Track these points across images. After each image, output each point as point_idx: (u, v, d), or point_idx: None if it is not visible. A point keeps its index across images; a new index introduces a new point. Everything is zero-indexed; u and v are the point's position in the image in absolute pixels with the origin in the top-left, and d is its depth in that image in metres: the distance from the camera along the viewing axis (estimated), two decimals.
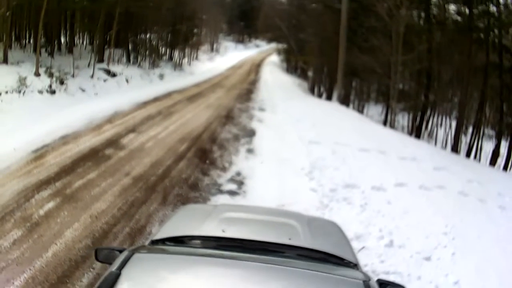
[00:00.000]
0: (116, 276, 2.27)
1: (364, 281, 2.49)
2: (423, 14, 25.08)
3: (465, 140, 22.16)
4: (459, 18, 22.68)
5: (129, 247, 3.42)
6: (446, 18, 23.26)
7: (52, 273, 5.59)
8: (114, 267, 2.39)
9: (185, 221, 3.87)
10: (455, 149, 21.22)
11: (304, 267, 2.68)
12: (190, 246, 3.12)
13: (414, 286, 5.98)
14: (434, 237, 7.71)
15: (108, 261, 3.23)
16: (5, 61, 17.68)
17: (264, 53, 75.44)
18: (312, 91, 38.13)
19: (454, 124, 22.97)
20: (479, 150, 21.06)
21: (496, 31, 20.70)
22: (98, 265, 5.91)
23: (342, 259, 3.11)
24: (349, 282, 2.59)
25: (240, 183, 10.14)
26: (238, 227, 3.55)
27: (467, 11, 21.60)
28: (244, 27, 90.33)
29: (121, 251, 3.19)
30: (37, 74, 17.09)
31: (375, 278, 2.98)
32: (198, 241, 3.17)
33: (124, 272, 2.34)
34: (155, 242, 3.23)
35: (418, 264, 6.69)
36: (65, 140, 11.84)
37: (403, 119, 25.73)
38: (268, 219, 4.00)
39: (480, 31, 21.23)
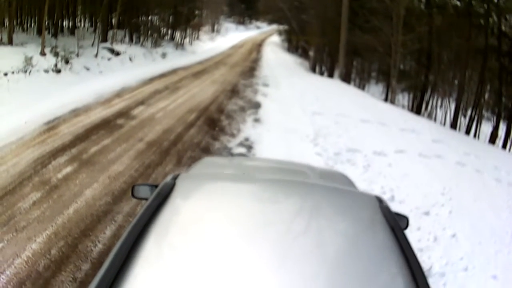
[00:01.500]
0: (172, 185, 2.49)
1: (376, 196, 2.70)
2: None
3: (464, 122, 22.37)
4: (458, 3, 22.83)
5: None
6: (446, 2, 23.38)
7: (74, 227, 5.79)
8: (167, 179, 2.63)
9: (207, 169, 4.00)
10: (453, 128, 21.43)
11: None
12: None
13: (415, 235, 6.36)
14: (432, 196, 8.12)
15: (145, 196, 3.50)
16: (10, 42, 17.76)
17: (265, 34, 74.90)
18: (313, 70, 38.09)
19: (453, 105, 23.18)
20: (478, 131, 21.28)
21: (495, 17, 20.87)
22: (119, 218, 6.19)
23: None
24: (365, 195, 2.88)
25: (249, 147, 10.48)
26: (256, 172, 3.82)
27: None
28: (245, 9, 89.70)
29: (155, 186, 3.44)
30: (42, 53, 17.10)
31: None
32: None
33: (178, 181, 2.58)
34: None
35: (418, 217, 7.06)
36: (76, 112, 11.91)
37: (403, 99, 25.89)
38: (282, 167, 4.29)
39: (479, 16, 21.37)
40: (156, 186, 3.33)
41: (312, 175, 3.88)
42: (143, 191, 3.56)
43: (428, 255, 5.92)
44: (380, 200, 2.62)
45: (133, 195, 3.60)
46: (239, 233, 2.07)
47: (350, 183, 4.11)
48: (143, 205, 2.28)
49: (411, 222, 6.50)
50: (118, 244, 1.89)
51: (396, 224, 2.25)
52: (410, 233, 6.19)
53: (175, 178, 2.64)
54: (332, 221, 2.34)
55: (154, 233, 2.01)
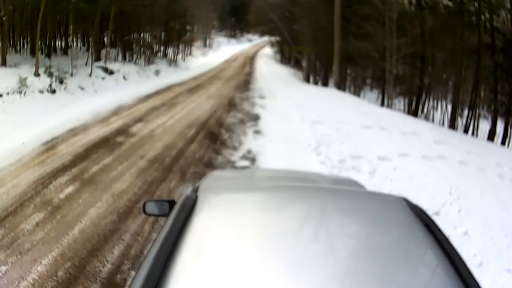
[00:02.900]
0: (194, 198, 2.42)
1: (403, 198, 2.66)
2: (414, 0, 25.30)
3: (461, 122, 22.36)
4: (450, 3, 22.89)
5: None
6: (437, 3, 23.45)
7: (81, 248, 5.69)
8: (188, 192, 2.58)
9: (218, 182, 3.86)
10: (452, 128, 21.43)
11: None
12: None
13: None
14: (440, 196, 8.14)
15: (156, 212, 3.50)
16: (4, 64, 17.73)
17: (257, 46, 75.25)
18: (307, 80, 38.12)
19: (449, 107, 23.17)
20: (476, 129, 21.27)
21: (487, 14, 20.90)
22: (127, 236, 6.11)
23: None
24: (392, 197, 2.81)
25: (252, 160, 10.44)
26: (267, 182, 3.70)
27: None
28: (236, 22, 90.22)
29: (169, 202, 3.45)
30: (36, 74, 17.08)
31: None
32: None
33: (200, 194, 2.51)
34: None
35: None
36: (74, 132, 11.88)
37: (399, 104, 25.89)
38: (292, 176, 4.20)
39: (471, 14, 21.42)
40: (169, 202, 3.39)
41: (324, 182, 3.84)
42: (155, 207, 3.53)
43: None
44: (406, 201, 2.58)
45: (144, 212, 3.56)
46: (269, 244, 1.99)
47: (361, 186, 4.04)
48: (166, 221, 2.23)
49: None
50: (146, 264, 1.82)
51: (430, 221, 2.23)
52: None
53: (195, 191, 2.60)
54: (366, 226, 2.27)
55: (185, 249, 1.93)
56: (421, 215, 2.29)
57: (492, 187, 9.37)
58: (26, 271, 5.10)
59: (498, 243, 6.47)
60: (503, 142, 19.50)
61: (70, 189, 7.77)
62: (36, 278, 4.99)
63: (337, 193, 2.76)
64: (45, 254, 5.49)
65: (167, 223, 2.14)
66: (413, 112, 24.60)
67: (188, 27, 46.05)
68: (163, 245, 1.91)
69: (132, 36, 32.17)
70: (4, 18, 18.09)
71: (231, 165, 10.04)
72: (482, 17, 21.01)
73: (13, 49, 21.69)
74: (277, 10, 45.07)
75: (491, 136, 20.02)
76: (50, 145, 10.44)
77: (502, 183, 9.86)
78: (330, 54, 28.77)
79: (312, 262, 1.85)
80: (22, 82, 15.23)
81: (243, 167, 9.86)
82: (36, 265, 5.24)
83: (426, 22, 23.22)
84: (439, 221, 6.61)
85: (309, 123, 14.58)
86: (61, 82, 17.73)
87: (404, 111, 25.01)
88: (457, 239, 6.32)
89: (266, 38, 68.27)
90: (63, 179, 8.24)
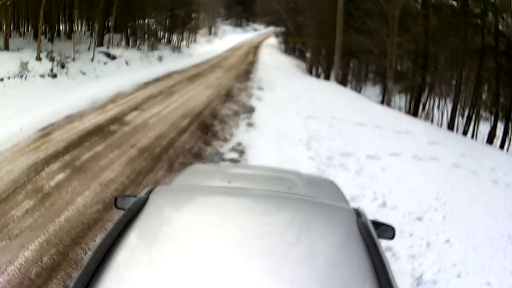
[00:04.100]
0: (145, 199, 2.47)
1: (354, 209, 2.65)
2: None
3: (461, 122, 22.32)
4: (455, 3, 22.80)
5: None
6: (442, 2, 23.35)
7: (65, 235, 5.82)
8: (142, 194, 2.59)
9: (193, 177, 4.02)
10: (451, 129, 21.40)
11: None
12: None
13: (406, 241, 6.28)
14: (426, 201, 8.00)
15: (127, 207, 3.56)
16: (6, 48, 17.80)
17: (262, 36, 74.74)
18: (310, 71, 38.03)
19: (450, 106, 23.12)
20: (476, 131, 21.23)
21: (491, 16, 20.83)
22: (110, 226, 6.23)
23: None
24: (342, 208, 2.83)
25: (241, 152, 10.43)
26: (241, 180, 3.77)
27: None
28: (242, 11, 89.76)
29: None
30: (38, 58, 17.18)
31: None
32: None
33: (151, 196, 2.54)
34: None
35: (410, 223, 6.97)
36: (70, 119, 12.01)
37: (400, 100, 25.84)
38: (269, 174, 4.26)
39: (476, 16, 21.34)
40: None
41: (299, 183, 3.83)
42: (127, 202, 3.49)
43: (420, 262, 5.84)
44: (358, 214, 2.56)
45: (116, 206, 3.57)
46: (206, 250, 2.04)
47: (337, 190, 4.07)
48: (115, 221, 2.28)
49: (403, 228, 6.56)
50: (84, 268, 1.86)
51: (371, 241, 2.17)
52: (402, 239, 6.18)
53: (149, 193, 2.61)
54: (304, 237, 2.29)
55: (121, 251, 1.99)
56: (363, 234, 2.26)
57: (483, 192, 9.20)
58: (14, 256, 5.27)
59: (481, 253, 6.33)
60: (501, 146, 19.48)
61: (60, 176, 7.91)
62: (23, 263, 5.15)
63: (285, 201, 2.78)
64: (32, 240, 5.65)
65: (111, 227, 2.18)
66: (414, 109, 24.58)
67: (193, 15, 45.86)
68: (100, 247, 1.96)
69: (136, 21, 32.09)
70: (8, 3, 18.11)
71: (220, 157, 10.06)
72: (487, 19, 20.94)
73: (17, 33, 21.73)
74: (282, 1, 44.88)
75: (490, 138, 19.99)
76: (46, 132, 10.61)
77: (494, 189, 9.66)
78: (333, 47, 28.65)
79: (225, 266, 1.91)
80: (24, 66, 15.31)
81: (230, 160, 9.91)
82: (23, 250, 5.41)
83: (430, 21, 23.12)
84: (421, 227, 6.70)
85: (304, 117, 14.53)
86: (63, 66, 17.79)
87: (404, 108, 24.98)
88: (437, 247, 6.32)
89: (271, 28, 67.91)
90: (55, 166, 8.39)
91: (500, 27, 20.71)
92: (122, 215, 2.29)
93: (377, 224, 3.45)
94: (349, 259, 2.12)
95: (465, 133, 21.38)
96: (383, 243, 3.78)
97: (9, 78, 14.40)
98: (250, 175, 4.20)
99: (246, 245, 2.11)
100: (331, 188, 4.13)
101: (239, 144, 11.18)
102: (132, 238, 2.11)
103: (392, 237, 3.56)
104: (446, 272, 5.74)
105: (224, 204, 2.64)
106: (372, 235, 2.26)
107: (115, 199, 3.59)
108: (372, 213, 7.08)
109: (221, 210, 2.53)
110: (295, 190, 3.47)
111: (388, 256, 5.66)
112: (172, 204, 2.62)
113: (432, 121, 23.47)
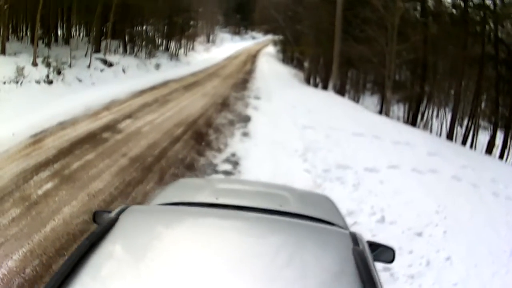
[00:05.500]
0: (114, 220, 2.29)
1: (350, 232, 2.47)
2: (418, 7, 25.13)
3: (460, 132, 22.22)
4: (454, 11, 22.74)
5: None
6: (442, 10, 23.28)
7: (50, 246, 5.70)
8: (112, 214, 2.42)
9: (179, 191, 3.85)
10: (450, 138, 21.29)
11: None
12: None
13: (405, 259, 6.05)
14: (426, 215, 7.79)
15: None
16: (3, 52, 17.72)
17: (260, 45, 74.98)
18: (308, 81, 37.98)
19: (449, 115, 23.02)
20: (475, 140, 21.13)
21: (491, 24, 20.74)
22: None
23: (332, 224, 3.07)
24: (336, 231, 2.62)
25: (235, 164, 10.23)
26: (230, 196, 3.56)
27: (462, 4, 21.69)
28: (241, 19, 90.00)
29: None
30: (34, 64, 17.10)
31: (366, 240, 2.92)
32: (191, 207, 3.13)
33: (121, 217, 2.36)
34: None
35: (409, 239, 6.77)
36: (63, 125, 11.91)
37: (398, 110, 25.74)
38: (260, 190, 4.04)
39: (475, 24, 21.28)
40: None
41: (291, 199, 3.61)
42: (105, 217, 3.32)
43: (419, 283, 5.60)
44: (355, 239, 2.35)
45: (94, 221, 3.42)
46: (169, 274, 1.89)
47: (333, 207, 3.87)
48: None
49: (402, 245, 6.31)
50: None
51: (368, 277, 1.94)
52: (401, 257, 5.91)
53: (120, 213, 2.42)
54: (293, 272, 2.05)
55: (80, 280, 1.82)
56: (360, 268, 2.02)
57: (484, 206, 9.05)
58: None
59: (482, 271, 6.15)
60: (501, 156, 19.37)
61: (49, 185, 7.79)
62: (6, 273, 5.04)
63: (273, 223, 2.58)
64: (16, 250, 5.53)
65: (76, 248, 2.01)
66: (412, 119, 24.48)
67: (191, 22, 45.87)
68: (57, 275, 1.81)
69: (134, 28, 32.04)
70: (6, 7, 17.99)
71: (213, 168, 9.86)
72: (487, 27, 20.87)
73: (15, 37, 21.76)
74: (280, 9, 44.98)
75: (489, 148, 19.89)
76: (38, 138, 10.52)
77: (495, 201, 9.55)
78: (331, 56, 28.61)
79: None
80: (19, 71, 15.29)
81: (224, 172, 9.71)
82: (7, 260, 5.29)
83: (429, 29, 23.05)
84: (421, 243, 6.48)
85: (300, 127, 14.33)
86: (59, 73, 17.72)
87: (403, 118, 24.88)
88: (438, 265, 6.13)
89: (269, 37, 68.14)
90: (44, 174, 8.28)
91: (500, 34, 20.61)
92: (85, 237, 2.08)
93: (375, 246, 3.28)
94: None
95: (464, 142, 21.24)
96: (381, 264, 3.58)
97: (4, 83, 14.40)
98: (239, 191, 3.97)
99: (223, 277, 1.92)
100: (326, 205, 3.91)
101: (233, 154, 10.99)
102: (93, 265, 1.91)
103: (391, 260, 3.37)
104: None
105: (202, 227, 2.44)
106: (370, 268, 2.03)
107: (94, 214, 3.45)
108: (370, 228, 6.88)
109: (198, 234, 2.33)
110: (286, 207, 3.28)
111: (385, 277, 5.45)
112: (144, 227, 2.41)
113: (431, 131, 23.38)
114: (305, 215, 3.09)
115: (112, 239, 2.13)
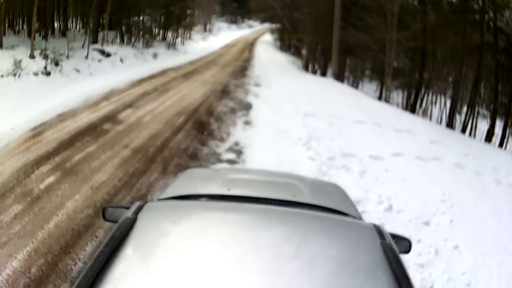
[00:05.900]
0: (132, 221, 2.22)
1: (374, 225, 2.46)
2: None
3: (459, 119, 22.19)
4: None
5: None
6: None
7: (55, 244, 5.57)
8: (129, 214, 2.34)
9: (189, 183, 3.78)
10: (449, 126, 21.25)
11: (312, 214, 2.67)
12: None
13: (415, 248, 5.96)
14: (432, 204, 7.80)
15: (116, 219, 3.12)
16: (0, 46, 17.69)
17: (258, 33, 74.64)
18: (306, 68, 37.86)
19: (448, 102, 22.97)
20: (474, 128, 21.11)
21: (491, 13, 20.65)
22: (100, 233, 5.93)
23: (346, 214, 3.03)
24: (361, 224, 2.59)
25: (239, 153, 10.18)
26: (242, 187, 3.51)
27: None
28: (237, 8, 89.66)
29: (128, 208, 3.23)
30: (32, 56, 17.03)
31: None
32: (204, 199, 3.10)
33: (140, 217, 2.29)
34: (161, 201, 3.16)
35: (418, 228, 6.76)
36: (62, 117, 11.78)
37: (397, 97, 25.69)
38: (271, 180, 3.97)
39: (475, 12, 21.20)
40: (128, 208, 3.07)
41: (303, 189, 3.55)
42: (116, 213, 3.21)
43: (430, 272, 5.59)
44: (380, 233, 2.32)
45: (104, 218, 3.28)
46: (205, 273, 1.85)
47: (345, 196, 3.83)
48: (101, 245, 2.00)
49: (411, 234, 6.25)
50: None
51: (402, 272, 1.93)
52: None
53: (137, 211, 2.35)
54: (320, 272, 1.99)
55: (118, 267, 1.82)
56: (391, 259, 2.02)
57: (488, 193, 9.06)
58: (1, 266, 5.03)
59: (489, 260, 6.14)
60: (500, 144, 19.35)
61: (50, 179, 7.66)
62: (11, 274, 4.92)
63: (294, 216, 2.53)
64: (20, 249, 5.41)
65: (96, 253, 1.93)
66: (411, 106, 24.43)
67: (188, 11, 45.65)
68: (95, 262, 1.79)
69: (131, 18, 31.88)
70: (2, 1, 17.91)
71: (216, 157, 9.79)
72: (486, 16, 20.79)
73: (12, 31, 21.67)
74: None
75: (489, 136, 19.87)
76: (38, 131, 10.37)
77: (498, 189, 9.56)
78: (330, 43, 28.53)
79: None
80: (17, 64, 15.20)
81: (227, 160, 9.66)
82: (11, 260, 5.17)
83: (428, 17, 22.94)
84: (429, 232, 6.44)
85: (302, 115, 14.26)
86: (57, 64, 17.61)
87: (402, 104, 24.85)
88: (446, 254, 6.11)
89: (267, 25, 67.75)
90: (45, 168, 8.15)
91: (499, 23, 20.53)
92: (104, 244, 1.99)
93: (392, 237, 3.20)
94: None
95: (463, 130, 21.21)
96: None
97: (2, 76, 14.31)
98: (250, 181, 3.89)
99: (253, 267, 1.92)
100: (338, 194, 3.87)
101: (237, 143, 10.91)
102: (116, 275, 1.82)
103: (408, 251, 3.31)
104: (456, 281, 5.58)
105: (225, 223, 2.38)
106: (401, 262, 2.02)
107: (103, 210, 3.29)
108: (379, 217, 6.85)
109: (222, 232, 2.26)
110: (300, 197, 3.23)
111: None
112: (165, 226, 2.34)
113: (430, 118, 23.29)
114: (320, 206, 3.04)
115: (135, 242, 2.05)
